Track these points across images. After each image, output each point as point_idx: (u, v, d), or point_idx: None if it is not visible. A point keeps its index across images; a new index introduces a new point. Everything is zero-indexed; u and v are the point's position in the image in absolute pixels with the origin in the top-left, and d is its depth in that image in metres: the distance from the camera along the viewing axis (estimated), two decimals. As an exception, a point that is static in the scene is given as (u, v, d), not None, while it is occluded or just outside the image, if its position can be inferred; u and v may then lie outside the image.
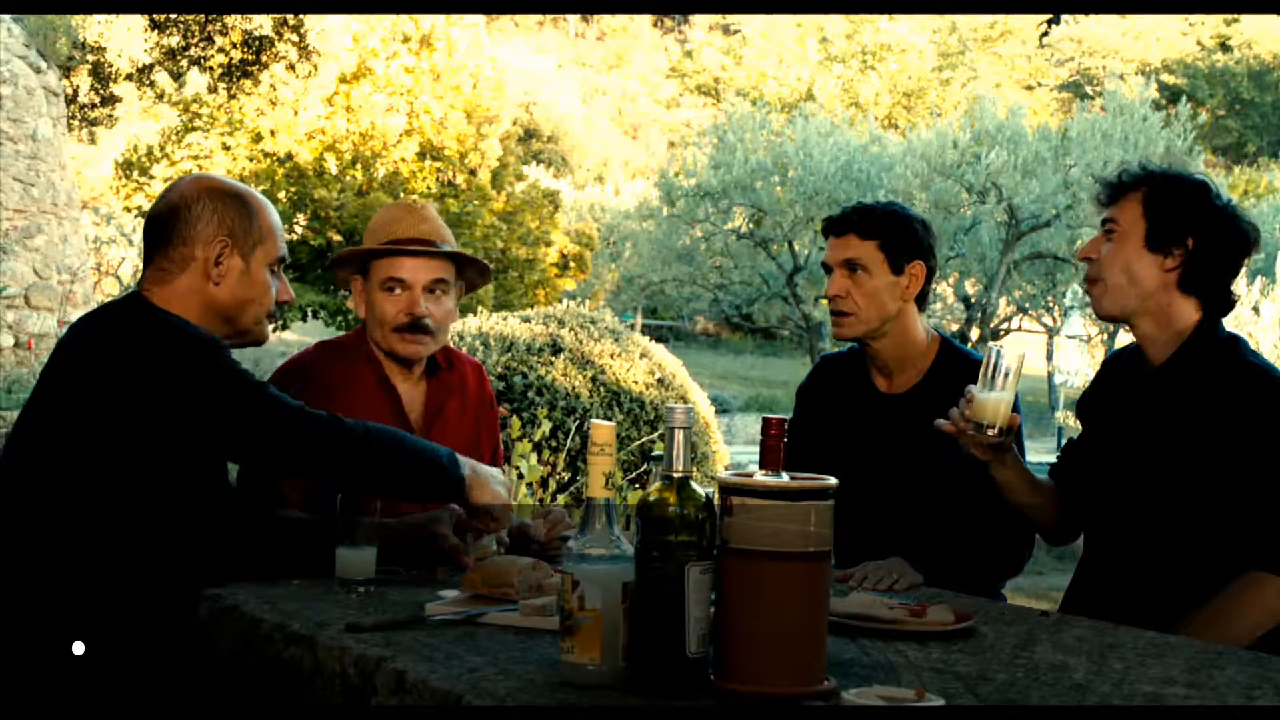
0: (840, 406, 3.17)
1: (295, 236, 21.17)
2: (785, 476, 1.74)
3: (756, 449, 2.00)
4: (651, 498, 1.72)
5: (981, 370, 2.63)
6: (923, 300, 3.12)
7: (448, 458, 2.46)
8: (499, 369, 7.72)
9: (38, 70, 10.73)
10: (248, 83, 15.04)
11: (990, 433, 2.63)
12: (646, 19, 58.35)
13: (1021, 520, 2.95)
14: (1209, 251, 2.64)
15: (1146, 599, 2.58)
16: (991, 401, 2.62)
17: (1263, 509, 2.51)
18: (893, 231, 3.06)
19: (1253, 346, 2.79)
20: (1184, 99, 28.46)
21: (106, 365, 2.24)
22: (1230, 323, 3.20)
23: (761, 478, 1.73)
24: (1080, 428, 2.97)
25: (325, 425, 2.33)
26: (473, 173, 22.58)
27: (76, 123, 14.76)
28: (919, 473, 2.98)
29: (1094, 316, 2.91)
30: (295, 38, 14.58)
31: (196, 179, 2.53)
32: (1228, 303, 2.70)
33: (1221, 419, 2.56)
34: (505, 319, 8.39)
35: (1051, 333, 30.67)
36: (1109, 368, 2.91)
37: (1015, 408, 2.62)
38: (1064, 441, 3.00)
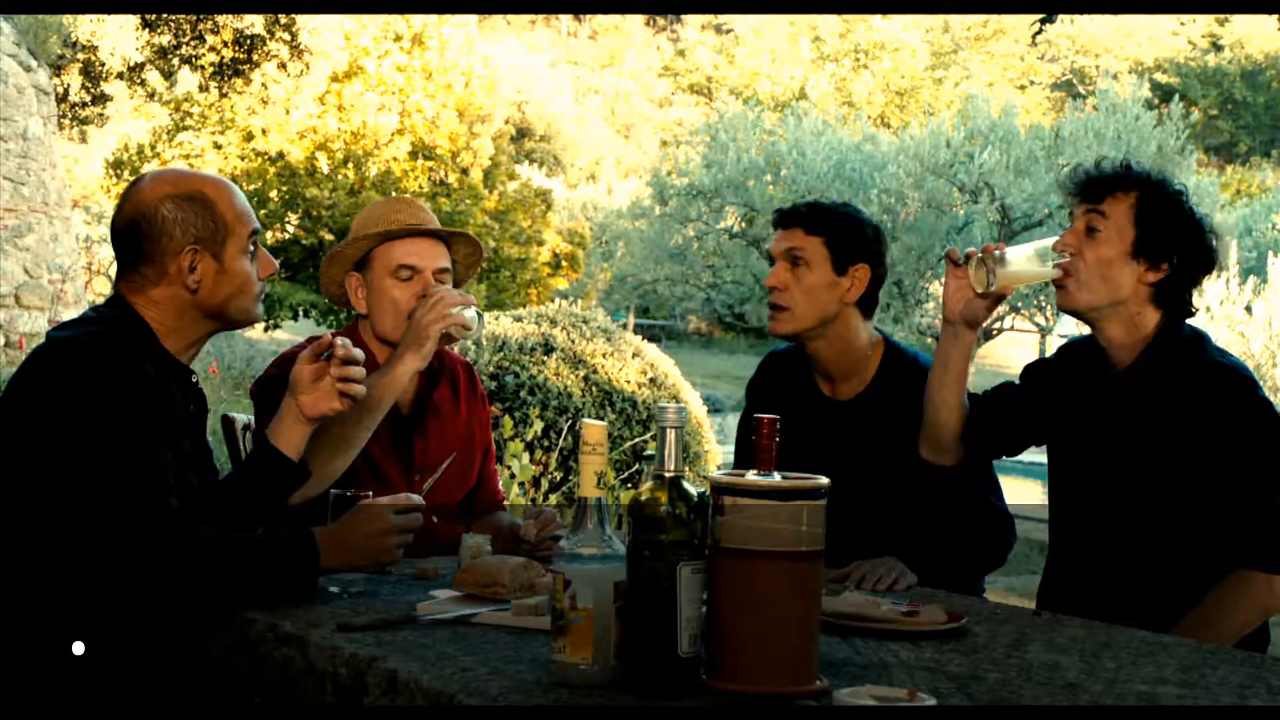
0: (786, 408, 3.11)
1: (287, 235, 21.11)
2: (777, 476, 1.74)
3: (749, 448, 1.99)
4: (643, 497, 1.72)
5: (1041, 244, 2.66)
6: (869, 307, 3.07)
7: (292, 545, 2.26)
8: (491, 368, 7.71)
9: (28, 69, 10.70)
10: (239, 81, 15.01)
11: (980, 282, 2.63)
12: (639, 17, 58.34)
13: (1001, 514, 2.94)
14: (1188, 269, 2.64)
15: (1124, 601, 2.57)
16: (1011, 267, 2.63)
17: (1244, 507, 2.51)
18: (841, 230, 3.03)
19: (1246, 346, 2.80)
20: (1176, 98, 28.47)
21: (52, 405, 2.20)
22: (1223, 323, 3.21)
23: (754, 477, 1.73)
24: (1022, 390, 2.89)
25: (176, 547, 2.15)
26: (465, 171, 22.53)
27: (67, 121, 14.72)
28: (877, 479, 2.94)
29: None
30: (287, 36, 14.55)
31: (154, 182, 2.40)
32: (1190, 311, 2.70)
33: (1194, 420, 2.55)
34: (497, 318, 8.39)
35: (1044, 332, 30.69)
36: (1067, 357, 2.85)
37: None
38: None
